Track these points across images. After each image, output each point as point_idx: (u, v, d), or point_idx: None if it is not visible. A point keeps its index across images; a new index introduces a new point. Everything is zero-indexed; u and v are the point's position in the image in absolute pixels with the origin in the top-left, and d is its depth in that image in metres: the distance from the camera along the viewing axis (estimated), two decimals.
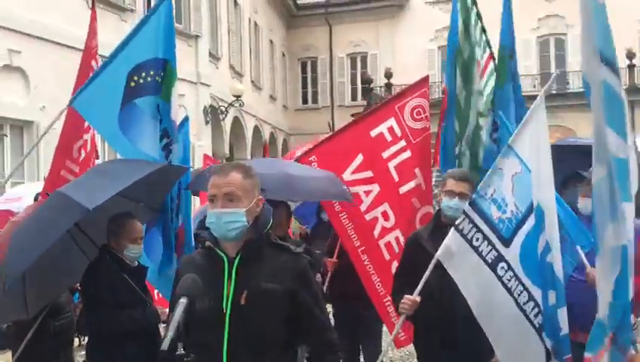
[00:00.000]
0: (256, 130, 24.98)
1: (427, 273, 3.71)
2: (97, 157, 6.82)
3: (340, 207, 5.31)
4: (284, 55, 30.04)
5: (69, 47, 11.23)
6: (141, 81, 4.54)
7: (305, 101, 31.23)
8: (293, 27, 30.55)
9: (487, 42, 5.82)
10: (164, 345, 2.12)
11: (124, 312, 3.95)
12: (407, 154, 5.18)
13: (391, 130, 5.19)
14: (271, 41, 27.84)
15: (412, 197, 5.19)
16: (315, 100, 31.00)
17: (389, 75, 26.94)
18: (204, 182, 4.49)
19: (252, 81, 24.63)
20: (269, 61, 27.42)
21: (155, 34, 4.61)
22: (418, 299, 3.83)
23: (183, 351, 2.24)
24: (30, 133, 11.56)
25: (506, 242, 3.64)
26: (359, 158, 5.26)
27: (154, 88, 4.57)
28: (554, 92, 25.68)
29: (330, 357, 2.74)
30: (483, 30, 5.75)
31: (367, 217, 5.26)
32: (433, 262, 3.70)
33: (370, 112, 5.60)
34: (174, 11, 16.88)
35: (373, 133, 5.26)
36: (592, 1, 2.54)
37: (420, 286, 3.81)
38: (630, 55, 24.44)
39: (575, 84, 25.82)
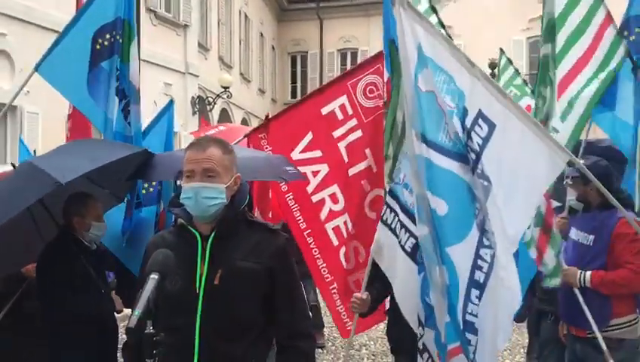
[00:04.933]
0: (244, 123, 24.78)
1: (368, 267, 3.64)
2: None
3: (287, 187, 5.07)
4: (273, 48, 29.87)
5: (54, 31, 11.04)
6: (106, 43, 4.44)
7: (294, 95, 31.04)
8: (284, 21, 30.38)
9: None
10: (132, 323, 2.02)
11: (78, 296, 3.82)
12: (358, 133, 4.89)
13: (342, 108, 4.90)
14: (261, 34, 27.67)
15: (362, 180, 4.90)
16: (304, 94, 30.79)
17: None
18: (149, 170, 4.28)
19: (241, 74, 24.47)
20: (258, 54, 27.25)
21: None
22: (364, 296, 3.77)
23: (152, 330, 2.10)
24: (14, 117, 11.39)
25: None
26: (309, 136, 5.02)
27: (117, 49, 4.48)
28: None
29: (302, 344, 2.58)
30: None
31: (314, 199, 5.02)
32: (371, 257, 3.64)
33: (322, 89, 5.29)
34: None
35: (325, 110, 5.00)
36: (416, 90, 2.82)
37: (364, 284, 3.77)
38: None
39: None
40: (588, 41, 4.35)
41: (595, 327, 3.86)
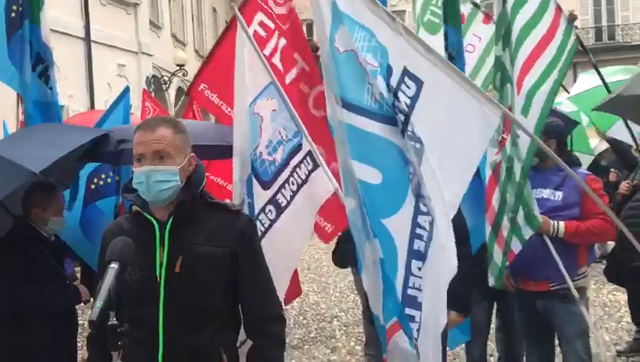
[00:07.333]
0: None
1: None
2: None
3: None
4: (227, 23, 29.43)
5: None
6: (21, 9, 4.28)
7: None
8: None
9: None
10: (94, 315, 1.93)
11: (42, 289, 3.65)
12: (283, 42, 4.76)
13: (262, 24, 4.74)
14: (214, 9, 27.24)
15: (299, 84, 4.78)
16: None
17: None
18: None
19: (196, 50, 24.10)
20: (212, 29, 26.83)
21: None
22: None
23: (115, 321, 2.00)
24: None
25: (265, 185, 3.70)
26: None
27: (26, 13, 4.33)
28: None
29: (273, 327, 2.47)
30: None
31: None
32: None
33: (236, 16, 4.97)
34: None
35: (249, 32, 4.75)
36: (333, 52, 2.72)
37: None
38: (572, 18, 24.81)
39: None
40: (542, 32, 4.32)
41: (567, 277, 3.91)
